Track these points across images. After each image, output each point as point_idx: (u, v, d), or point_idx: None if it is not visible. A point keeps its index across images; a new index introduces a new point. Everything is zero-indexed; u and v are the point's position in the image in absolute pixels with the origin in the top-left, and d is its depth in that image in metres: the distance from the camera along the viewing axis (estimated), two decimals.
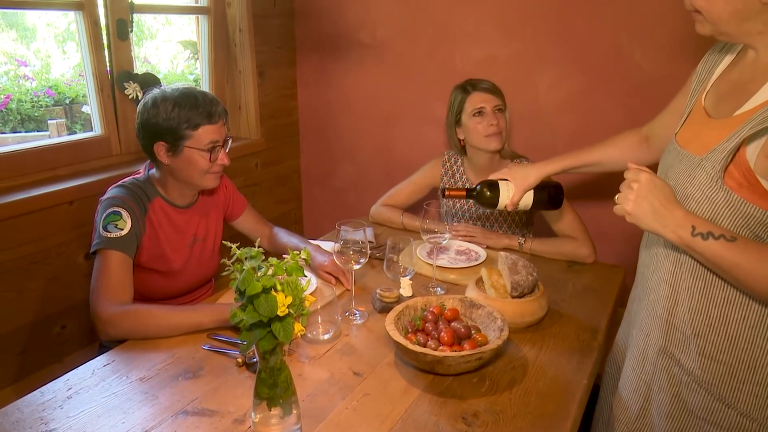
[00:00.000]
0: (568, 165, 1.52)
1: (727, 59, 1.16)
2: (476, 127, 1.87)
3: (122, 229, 1.46)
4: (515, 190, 1.52)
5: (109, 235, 1.44)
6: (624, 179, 1.08)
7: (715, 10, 1.00)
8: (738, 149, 0.99)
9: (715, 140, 1.03)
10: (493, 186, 1.54)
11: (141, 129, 1.51)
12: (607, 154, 1.49)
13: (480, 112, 1.86)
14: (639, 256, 1.29)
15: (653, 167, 1.17)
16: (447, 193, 1.57)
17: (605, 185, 2.17)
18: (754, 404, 1.05)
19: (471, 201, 1.99)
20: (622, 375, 1.28)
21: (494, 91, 1.88)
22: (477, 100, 1.87)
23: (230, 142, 1.59)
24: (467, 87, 1.90)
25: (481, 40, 2.25)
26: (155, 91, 1.50)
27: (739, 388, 1.06)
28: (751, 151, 0.98)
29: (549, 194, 1.56)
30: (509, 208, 1.55)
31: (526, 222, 2.01)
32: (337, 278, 1.62)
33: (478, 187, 1.56)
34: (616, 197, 1.07)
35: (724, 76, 1.14)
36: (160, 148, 1.49)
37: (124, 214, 1.47)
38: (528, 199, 1.54)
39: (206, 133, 1.49)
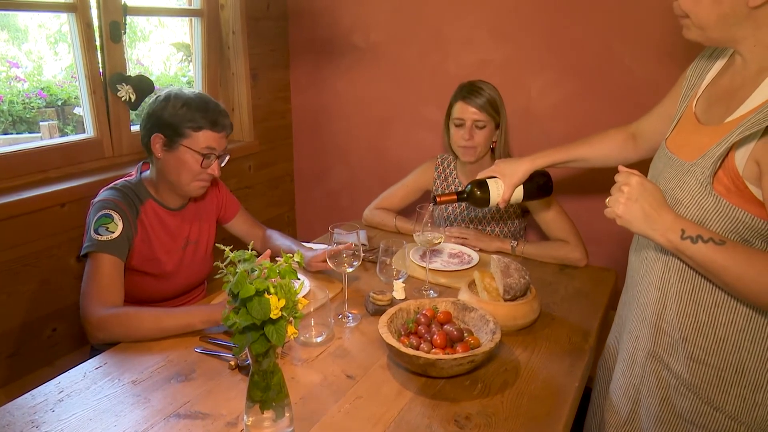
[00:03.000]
0: (555, 159, 1.53)
1: (718, 65, 1.17)
2: (454, 136, 1.89)
3: (113, 232, 1.45)
4: (505, 187, 1.54)
5: (100, 237, 1.43)
6: (614, 182, 1.08)
7: (703, 13, 1.01)
8: (727, 155, 1.00)
9: (705, 146, 1.04)
10: (483, 185, 1.56)
11: (146, 118, 1.53)
12: (594, 149, 1.50)
13: (460, 124, 1.86)
14: (628, 260, 1.30)
15: (641, 166, 1.19)
16: (438, 199, 1.57)
17: (597, 189, 2.18)
18: (742, 407, 1.06)
19: (463, 204, 2.00)
20: (613, 379, 1.29)
21: (483, 106, 1.83)
22: (460, 110, 1.85)
23: (227, 158, 1.59)
24: (462, 92, 1.87)
25: (473, 44, 2.26)
26: (174, 88, 1.54)
27: (727, 391, 1.07)
28: (740, 157, 0.99)
29: (538, 184, 1.58)
30: (501, 205, 1.56)
31: (519, 225, 2.02)
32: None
33: (468, 188, 1.57)
34: (607, 200, 1.07)
35: (715, 82, 1.15)
36: (157, 140, 1.50)
37: (116, 216, 1.47)
38: (519, 194, 1.57)
39: (205, 138, 1.50)
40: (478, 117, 1.83)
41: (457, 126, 1.87)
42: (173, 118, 1.48)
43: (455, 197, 1.58)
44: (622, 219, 1.04)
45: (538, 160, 1.54)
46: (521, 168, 1.53)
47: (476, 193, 1.56)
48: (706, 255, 0.98)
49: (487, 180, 1.56)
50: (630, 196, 1.03)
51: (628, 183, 1.04)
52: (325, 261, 1.61)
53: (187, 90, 1.53)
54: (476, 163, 1.92)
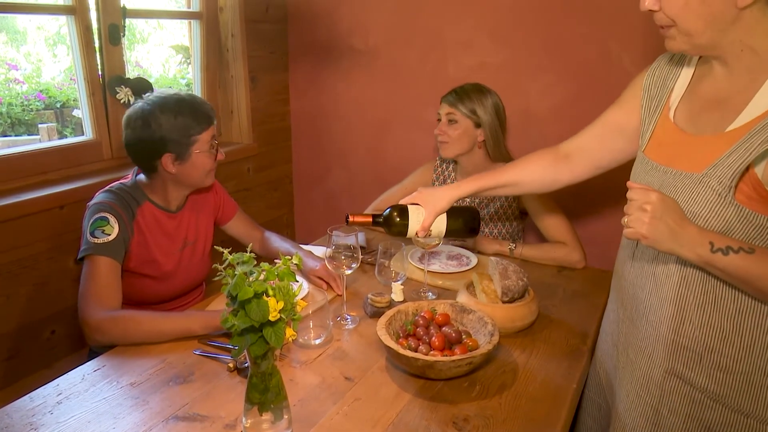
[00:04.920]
0: (481, 186, 1.44)
1: (685, 73, 1.15)
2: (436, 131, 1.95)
3: (109, 235, 1.45)
4: (426, 214, 1.41)
5: (96, 240, 1.44)
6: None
7: (692, 17, 0.99)
8: (749, 164, 0.97)
9: (711, 156, 1.02)
10: (404, 212, 1.43)
11: (141, 145, 1.49)
12: (523, 173, 1.44)
13: (438, 118, 1.93)
14: (620, 277, 1.26)
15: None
16: (351, 219, 1.43)
17: (596, 191, 2.18)
18: None
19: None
20: (624, 400, 1.23)
21: (453, 103, 1.88)
22: (440, 106, 1.94)
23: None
24: (447, 92, 1.95)
25: (472, 47, 2.27)
26: (145, 105, 1.48)
27: (757, 396, 1.05)
28: (759, 164, 0.97)
29: (464, 220, 1.45)
30: (420, 234, 1.43)
31: (517, 228, 2.02)
32: (328, 283, 1.63)
33: (387, 211, 1.45)
34: (625, 220, 1.02)
35: (693, 91, 1.13)
36: (168, 160, 1.50)
37: (111, 219, 1.47)
38: (441, 226, 1.44)
39: (208, 135, 1.54)
40: (448, 111, 1.90)
41: (437, 121, 1.94)
42: (174, 132, 1.47)
43: (370, 219, 1.44)
44: (649, 239, 0.98)
45: (462, 187, 1.43)
46: (445, 195, 1.42)
47: (395, 219, 1.42)
48: (739, 265, 0.95)
49: (409, 207, 1.43)
50: (654, 214, 0.97)
51: (649, 201, 0.98)
52: (321, 278, 1.63)
53: (157, 99, 1.49)
54: (470, 164, 1.94)
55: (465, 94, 1.89)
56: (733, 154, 0.99)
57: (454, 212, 1.45)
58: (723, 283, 1.04)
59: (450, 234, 1.46)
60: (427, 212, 1.42)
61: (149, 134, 1.47)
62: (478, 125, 1.89)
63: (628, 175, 1.22)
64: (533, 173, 1.44)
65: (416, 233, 1.43)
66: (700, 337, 1.08)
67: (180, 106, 1.49)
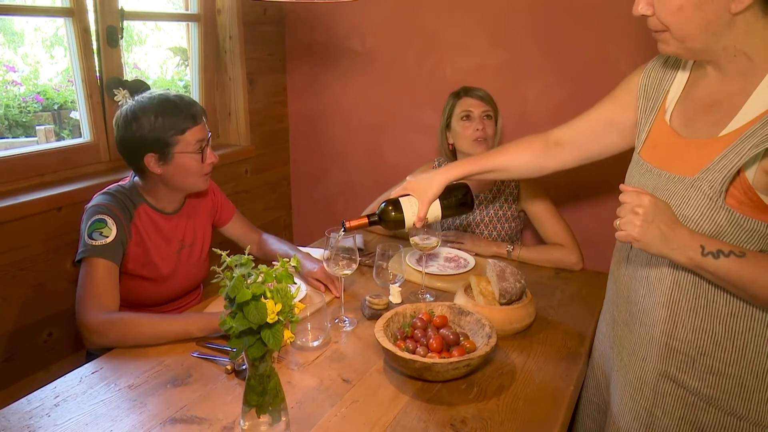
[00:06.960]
0: (470, 170, 1.45)
1: (681, 76, 1.15)
2: (464, 132, 1.90)
3: (107, 237, 1.45)
4: (419, 204, 1.42)
5: (94, 242, 1.43)
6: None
7: (686, 23, 0.98)
8: (739, 168, 0.98)
9: (703, 160, 1.02)
10: (397, 205, 1.43)
11: (124, 145, 1.50)
12: (511, 158, 1.45)
13: (468, 116, 1.90)
14: (614, 278, 1.26)
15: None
16: (347, 224, 1.42)
17: (594, 192, 2.19)
18: (765, 411, 1.05)
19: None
20: (618, 402, 1.23)
21: (485, 98, 1.92)
22: (466, 104, 1.91)
23: (210, 137, 1.58)
24: (460, 92, 1.95)
25: (470, 49, 2.27)
26: (130, 105, 1.50)
27: (749, 399, 1.06)
28: (749, 168, 0.98)
29: (457, 198, 1.47)
30: (418, 225, 1.44)
31: (515, 230, 2.02)
32: (326, 285, 1.63)
33: (381, 206, 1.46)
34: (617, 223, 1.02)
35: (688, 95, 1.13)
36: (150, 160, 1.49)
37: (109, 221, 1.47)
38: (436, 210, 1.44)
39: (193, 135, 1.50)
40: (485, 107, 1.90)
41: (464, 119, 1.90)
42: (154, 132, 1.46)
43: (366, 221, 1.44)
44: (641, 242, 0.99)
45: (451, 171, 1.44)
46: (434, 182, 1.42)
47: (389, 214, 1.43)
48: (731, 269, 0.96)
49: (400, 199, 1.44)
50: (646, 217, 0.97)
51: (641, 204, 0.98)
52: (318, 280, 1.63)
53: (143, 99, 1.49)
54: None
55: (484, 91, 1.94)
56: (725, 159, 0.99)
57: (445, 194, 1.45)
58: (715, 287, 1.04)
59: (446, 216, 1.48)
60: (420, 202, 1.42)
61: (130, 134, 1.47)
62: (495, 122, 1.94)
63: (626, 178, 1.23)
64: (522, 160, 1.45)
65: (413, 224, 1.44)
66: (692, 340, 1.08)
67: (162, 106, 1.47)
